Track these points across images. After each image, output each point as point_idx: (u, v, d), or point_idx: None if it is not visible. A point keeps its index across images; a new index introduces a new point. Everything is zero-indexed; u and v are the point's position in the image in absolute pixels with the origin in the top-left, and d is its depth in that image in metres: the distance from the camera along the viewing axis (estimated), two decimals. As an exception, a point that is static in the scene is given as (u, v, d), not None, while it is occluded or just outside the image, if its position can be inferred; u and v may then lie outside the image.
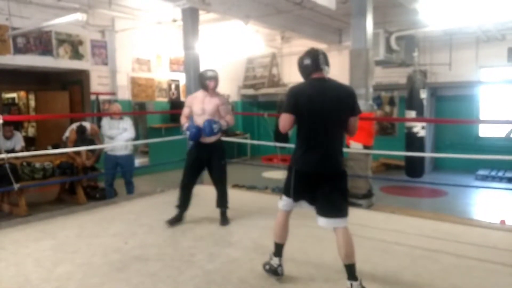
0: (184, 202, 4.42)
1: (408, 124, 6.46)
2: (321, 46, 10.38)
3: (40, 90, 9.78)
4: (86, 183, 6.68)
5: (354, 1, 5.38)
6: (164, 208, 4.93)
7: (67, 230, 4.30)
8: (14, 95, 11.71)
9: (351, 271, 2.80)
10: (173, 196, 5.86)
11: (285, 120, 2.82)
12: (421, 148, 6.41)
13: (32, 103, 11.01)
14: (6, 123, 5.25)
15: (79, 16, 5.82)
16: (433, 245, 3.81)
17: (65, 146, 6.16)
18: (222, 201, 4.50)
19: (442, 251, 3.66)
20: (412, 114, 6.32)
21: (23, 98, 11.54)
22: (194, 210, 4.94)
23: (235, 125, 11.54)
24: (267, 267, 3.15)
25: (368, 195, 5.30)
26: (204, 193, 6.11)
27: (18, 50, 7.12)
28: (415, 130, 6.26)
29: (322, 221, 2.89)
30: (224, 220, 4.46)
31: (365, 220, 4.62)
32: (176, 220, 4.38)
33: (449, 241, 3.93)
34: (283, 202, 3.02)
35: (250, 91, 11.62)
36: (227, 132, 10.84)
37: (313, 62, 2.90)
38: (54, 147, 6.36)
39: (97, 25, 8.07)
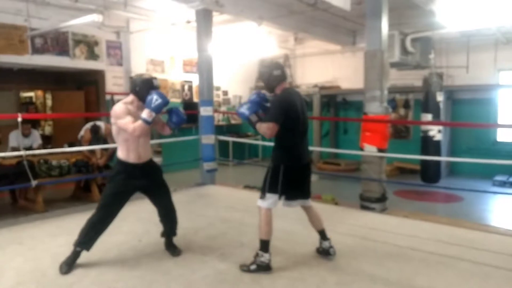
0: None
1: (424, 127, 6.39)
2: (335, 47, 10.38)
3: (56, 90, 9.93)
4: (100, 181, 6.74)
5: (369, 2, 5.35)
6: (177, 207, 4.95)
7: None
8: (31, 94, 11.89)
9: (324, 234, 3.56)
10: (186, 195, 5.93)
11: (272, 129, 3.17)
12: (437, 152, 6.32)
13: (49, 102, 11.18)
14: (24, 121, 5.35)
15: (95, 17, 5.90)
16: (449, 251, 3.76)
17: (80, 145, 6.24)
18: (174, 226, 3.73)
19: (458, 257, 3.61)
20: (428, 117, 6.24)
21: (40, 97, 11.71)
22: (207, 210, 4.97)
23: (247, 126, 11.56)
24: (254, 266, 3.23)
25: (382, 199, 5.25)
26: (217, 193, 6.15)
27: (36, 50, 7.25)
28: (431, 133, 6.18)
29: (307, 202, 3.48)
30: (177, 249, 3.71)
31: (379, 224, 4.59)
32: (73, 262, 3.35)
33: (465, 247, 3.87)
34: (269, 200, 3.25)
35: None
36: (239, 133, 10.90)
37: (282, 73, 3.31)
38: (70, 146, 6.45)
39: (113, 26, 8.16)
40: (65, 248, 3.69)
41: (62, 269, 3.25)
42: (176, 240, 3.90)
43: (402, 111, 10.04)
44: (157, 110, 3.17)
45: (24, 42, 7.05)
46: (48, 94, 11.16)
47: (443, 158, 7.45)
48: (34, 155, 5.70)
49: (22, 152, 5.13)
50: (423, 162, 6.45)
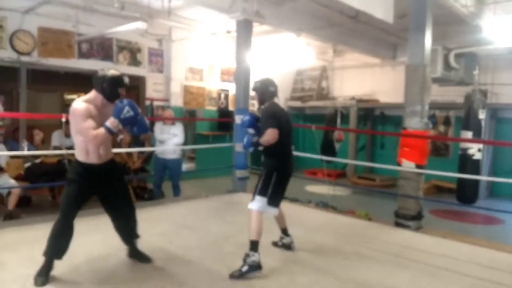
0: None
1: (463, 145, 6.16)
2: (374, 61, 10.26)
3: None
4: (136, 184, 6.91)
5: (413, 16, 5.26)
6: (208, 212, 5.00)
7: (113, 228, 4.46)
8: (75, 96, 12.36)
9: (286, 231, 3.97)
10: (217, 202, 5.97)
11: (275, 133, 3.39)
12: (476, 172, 6.07)
13: (91, 105, 11.58)
14: (67, 122, 5.57)
15: (139, 25, 6.10)
16: (487, 274, 3.59)
17: (119, 147, 6.42)
18: (134, 230, 3.48)
19: (496, 282, 3.44)
20: (468, 135, 6.03)
21: (82, 101, 12.16)
22: (238, 218, 4.97)
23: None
24: (246, 268, 3.27)
25: (418, 217, 5.09)
26: (247, 201, 6.14)
27: (82, 55, 7.56)
28: (470, 152, 5.96)
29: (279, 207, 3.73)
30: (144, 256, 3.51)
31: (413, 243, 4.45)
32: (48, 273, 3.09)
33: (504, 272, 3.69)
34: (258, 203, 3.47)
35: (297, 103, 11.60)
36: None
37: (275, 90, 3.72)
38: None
39: (155, 34, 8.40)
40: (100, 246, 3.80)
41: (37, 281, 2.99)
42: (207, 245, 3.94)
43: (442, 128, 9.75)
44: (125, 122, 2.90)
45: (71, 47, 7.38)
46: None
47: (484, 178, 7.16)
48: (74, 155, 5.92)
49: (63, 151, 5.33)
50: (460, 181, 6.21)
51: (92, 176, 3.08)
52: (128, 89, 9.16)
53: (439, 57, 6.92)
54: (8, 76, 7.16)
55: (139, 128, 3.09)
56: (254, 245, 3.34)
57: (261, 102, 3.70)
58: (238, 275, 3.26)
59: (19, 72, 6.91)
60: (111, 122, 2.86)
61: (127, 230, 3.44)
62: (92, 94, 3.03)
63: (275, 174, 3.49)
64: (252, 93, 3.84)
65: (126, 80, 3.08)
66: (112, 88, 2.98)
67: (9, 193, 5.26)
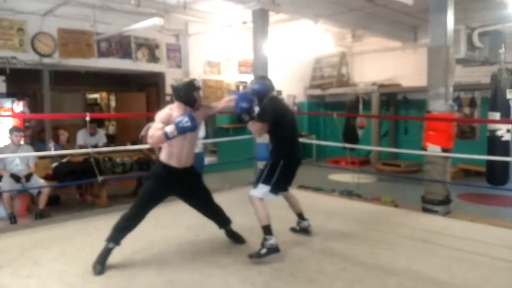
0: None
1: (491, 127, 5.98)
2: (395, 44, 10.04)
3: (120, 91, 10.45)
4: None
5: (433, -4, 5.11)
6: (231, 204, 5.00)
7: (144, 221, 4.52)
8: (96, 95, 12.60)
9: (302, 215, 4.11)
10: (240, 194, 5.98)
11: (263, 129, 3.55)
12: (506, 153, 5.89)
13: (113, 103, 11.80)
14: (91, 121, 5.69)
15: (156, 21, 6.13)
16: (520, 257, 3.50)
17: (142, 144, 6.51)
18: (224, 217, 3.88)
19: (531, 264, 3.35)
20: (496, 116, 5.84)
21: (105, 99, 12.38)
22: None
23: (300, 126, 11.47)
24: (264, 250, 3.36)
25: (446, 201, 4.99)
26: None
27: (101, 54, 7.66)
28: (499, 133, 5.77)
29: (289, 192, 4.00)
30: (239, 237, 3.91)
31: (442, 228, 4.38)
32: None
33: (538, 254, 3.60)
34: (261, 190, 3.57)
35: (317, 91, 11.47)
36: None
37: (272, 84, 3.84)
38: (133, 144, 6.75)
39: (172, 29, 8.42)
40: (128, 241, 3.85)
41: (95, 269, 3.22)
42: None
43: (467, 110, 9.49)
44: (182, 131, 3.10)
45: (90, 46, 7.48)
46: (112, 95, 11.77)
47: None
48: (99, 153, 6.04)
49: (89, 150, 5.44)
50: (490, 164, 6.03)
51: (170, 177, 3.39)
52: (147, 86, 9.27)
53: (462, 37, 6.71)
54: (31, 79, 7.35)
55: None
56: (267, 229, 3.45)
57: (260, 99, 3.69)
58: (256, 257, 3.35)
59: (42, 74, 7.06)
60: (170, 127, 3.11)
61: (217, 221, 3.86)
62: (176, 103, 3.39)
63: (281, 164, 3.59)
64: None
65: (197, 83, 3.38)
66: (188, 94, 3.30)
67: (39, 193, 5.41)
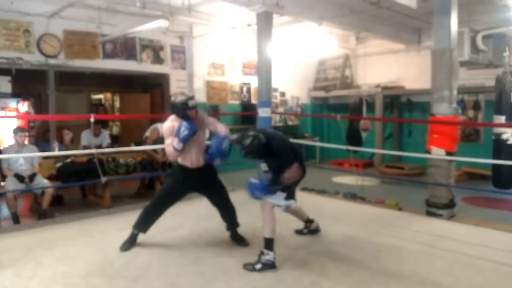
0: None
1: (497, 130, 5.95)
2: (398, 46, 10.03)
3: (124, 92, 10.48)
4: (164, 179, 6.99)
5: (437, -1, 5.10)
6: (234, 206, 5.02)
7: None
8: (101, 96, 12.64)
9: (309, 219, 4.13)
10: (243, 195, 5.94)
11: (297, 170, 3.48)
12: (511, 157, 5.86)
13: (117, 104, 11.82)
14: (95, 122, 5.71)
15: (161, 23, 6.14)
16: (525, 262, 3.48)
17: (145, 144, 6.52)
18: (234, 219, 4.05)
19: (536, 269, 3.33)
20: (501, 119, 5.81)
21: (109, 100, 12.42)
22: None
23: (304, 128, 11.46)
24: (259, 266, 3.27)
25: (450, 205, 4.97)
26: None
27: (106, 55, 7.69)
28: (504, 136, 5.74)
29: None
30: (244, 240, 4.00)
31: (446, 232, 4.36)
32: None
33: (543, 259, 3.57)
34: (278, 198, 3.46)
35: (321, 93, 11.46)
36: (296, 134, 10.83)
37: (259, 139, 3.44)
38: (137, 145, 6.76)
39: (177, 31, 8.44)
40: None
41: (122, 247, 3.73)
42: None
43: (471, 113, 9.45)
44: (185, 140, 3.44)
45: (95, 48, 7.50)
46: (116, 96, 11.80)
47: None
48: (103, 154, 6.05)
49: (93, 150, 5.45)
50: (496, 167, 6.00)
51: (185, 175, 3.74)
52: (152, 87, 9.28)
53: (466, 39, 6.70)
54: (36, 79, 7.37)
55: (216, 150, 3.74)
56: (269, 243, 3.34)
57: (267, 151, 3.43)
58: (250, 270, 3.27)
59: (47, 74, 7.09)
60: (175, 142, 3.47)
61: (228, 220, 3.99)
62: (173, 115, 3.65)
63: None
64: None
65: (192, 103, 3.53)
66: (182, 113, 3.51)
67: (43, 193, 5.43)
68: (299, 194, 4.84)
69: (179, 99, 3.55)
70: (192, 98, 3.60)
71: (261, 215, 3.47)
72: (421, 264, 3.45)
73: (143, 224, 3.81)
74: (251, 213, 4.27)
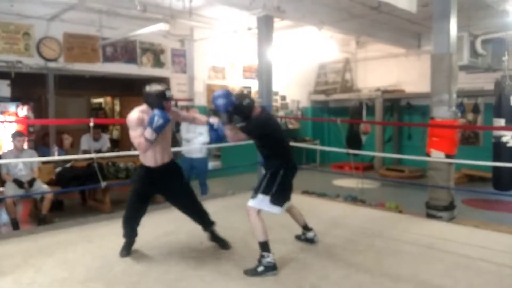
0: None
1: (497, 133, 5.98)
2: (398, 50, 10.06)
3: (124, 96, 10.49)
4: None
5: (437, 4, 5.12)
6: (235, 210, 5.02)
7: (146, 227, 4.49)
8: (101, 100, 12.64)
9: (307, 226, 4.01)
10: (243, 199, 5.94)
11: (241, 139, 3.57)
12: (511, 159, 5.89)
13: (117, 108, 11.83)
14: (94, 126, 5.70)
15: (162, 26, 6.17)
16: (525, 265, 3.48)
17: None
18: (206, 219, 3.89)
19: (536, 272, 3.33)
20: (501, 122, 5.84)
21: (109, 103, 12.41)
22: (265, 215, 4.97)
23: (305, 131, 11.47)
24: (261, 268, 3.26)
25: (450, 207, 4.98)
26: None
27: (106, 59, 7.70)
28: (504, 139, 5.76)
29: (290, 203, 3.78)
30: (224, 241, 3.89)
31: (446, 234, 4.35)
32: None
33: (544, 262, 3.57)
34: (261, 201, 3.43)
35: (321, 97, 11.49)
36: (296, 138, 10.84)
37: (251, 101, 3.58)
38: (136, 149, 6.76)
39: (177, 34, 8.47)
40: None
41: (121, 253, 3.66)
42: (236, 243, 3.95)
43: (470, 116, 9.48)
44: (159, 130, 3.23)
45: (96, 51, 7.52)
46: (116, 100, 11.81)
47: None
48: (103, 158, 6.04)
49: (93, 155, 5.45)
50: (496, 169, 6.03)
51: (150, 176, 3.53)
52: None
53: (465, 44, 6.73)
54: (36, 83, 7.38)
55: (215, 135, 3.62)
56: (264, 246, 3.33)
57: (244, 118, 3.58)
58: (252, 274, 3.25)
59: (46, 78, 7.09)
60: (148, 132, 3.23)
61: (200, 221, 3.85)
62: (144, 105, 3.42)
63: (281, 173, 3.49)
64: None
65: (170, 94, 3.41)
66: (157, 103, 3.32)
67: (42, 198, 5.42)
68: (299, 197, 4.87)
69: (155, 88, 3.37)
70: (168, 89, 3.44)
71: (248, 219, 3.44)
72: (422, 266, 3.45)
73: (128, 231, 3.71)
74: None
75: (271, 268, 3.28)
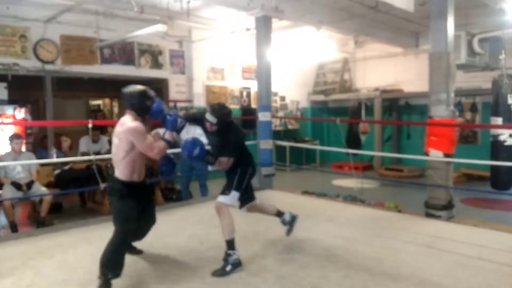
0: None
1: (494, 132, 5.98)
2: (396, 50, 10.08)
3: (123, 98, 10.47)
4: (163, 185, 7.00)
5: (434, 3, 5.13)
6: (236, 211, 5.01)
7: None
8: (99, 102, 12.64)
9: (280, 211, 4.00)
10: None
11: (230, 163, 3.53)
12: (509, 158, 5.89)
13: (116, 109, 11.83)
14: (93, 128, 5.69)
15: (160, 27, 6.16)
16: (524, 263, 3.49)
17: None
18: (145, 235, 3.62)
19: (535, 270, 3.34)
20: (498, 121, 5.85)
21: (108, 105, 12.41)
22: (265, 215, 4.97)
23: (304, 131, 11.48)
24: (230, 267, 3.32)
25: (449, 206, 4.98)
26: (275, 198, 6.16)
27: (104, 60, 7.69)
28: (501, 138, 5.77)
29: (255, 201, 3.86)
30: (137, 249, 3.73)
31: (445, 233, 4.36)
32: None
33: (543, 260, 3.58)
34: (233, 197, 3.53)
35: (320, 97, 11.50)
36: (296, 138, 10.86)
37: (230, 111, 3.59)
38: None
39: (175, 35, 8.47)
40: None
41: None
42: (236, 244, 3.94)
43: (468, 115, 9.50)
44: (180, 132, 3.27)
45: (93, 53, 7.51)
46: (115, 102, 11.81)
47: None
48: (102, 160, 6.03)
49: (92, 157, 5.44)
50: (494, 168, 6.04)
51: (136, 193, 3.18)
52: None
53: (462, 43, 6.73)
54: (33, 85, 7.37)
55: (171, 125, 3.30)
56: (231, 244, 3.40)
57: (222, 124, 3.47)
58: (221, 274, 3.28)
59: (44, 80, 7.08)
60: (170, 135, 3.17)
61: (143, 234, 3.55)
62: (130, 113, 3.15)
63: (250, 171, 3.63)
64: (210, 125, 3.49)
65: (152, 93, 3.23)
66: (142, 103, 3.14)
67: (41, 201, 5.41)
68: (299, 197, 4.87)
69: (136, 88, 3.19)
70: (148, 88, 3.25)
71: (220, 220, 3.48)
72: (421, 265, 3.45)
73: (114, 265, 3.03)
74: (253, 218, 4.29)
75: (237, 265, 3.36)
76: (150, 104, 3.19)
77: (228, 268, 3.32)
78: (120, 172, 3.15)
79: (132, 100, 3.15)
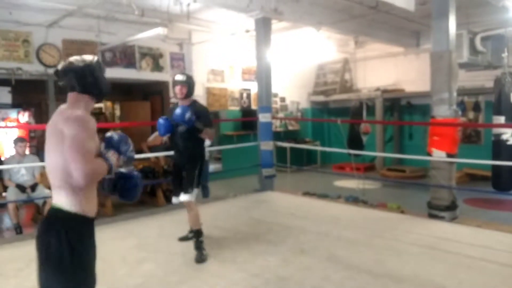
0: None
1: (496, 131, 5.95)
2: (397, 50, 10.05)
3: (124, 101, 10.51)
4: (165, 187, 7.00)
5: (435, 2, 5.11)
6: (237, 212, 5.02)
7: (148, 230, 4.53)
8: (101, 105, 12.65)
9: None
10: (245, 201, 5.98)
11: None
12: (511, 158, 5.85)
13: (117, 112, 11.85)
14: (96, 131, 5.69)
15: (160, 30, 6.17)
16: (528, 263, 3.47)
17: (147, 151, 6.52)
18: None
19: (539, 270, 3.32)
20: (501, 120, 5.81)
21: (109, 108, 12.45)
22: (267, 216, 4.98)
23: (305, 132, 11.47)
24: (205, 251, 3.69)
25: (452, 207, 4.95)
26: (276, 199, 6.16)
27: (105, 64, 7.67)
28: (504, 137, 5.73)
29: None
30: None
31: (448, 234, 4.34)
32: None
33: (547, 260, 3.56)
34: (195, 194, 3.79)
35: (321, 98, 11.49)
36: (296, 139, 10.84)
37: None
38: (137, 153, 6.76)
39: (176, 38, 8.48)
40: (133, 250, 3.88)
41: None
42: (238, 245, 3.96)
43: (471, 114, 9.46)
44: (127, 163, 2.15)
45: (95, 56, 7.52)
46: (116, 104, 11.83)
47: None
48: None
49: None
50: (495, 168, 5.99)
51: (89, 233, 2.01)
52: (152, 95, 9.31)
53: (464, 41, 6.71)
54: (36, 89, 7.40)
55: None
56: (201, 232, 3.77)
57: (189, 94, 3.81)
58: (202, 260, 3.61)
59: (46, 84, 7.10)
60: (116, 158, 2.02)
61: None
62: (78, 99, 2.05)
63: (200, 163, 3.85)
64: (181, 87, 3.76)
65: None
66: (98, 76, 2.07)
67: (45, 203, 5.43)
68: (301, 199, 4.87)
69: (82, 59, 2.04)
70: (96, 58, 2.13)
71: (188, 212, 3.82)
72: (424, 266, 3.44)
73: None
74: (253, 219, 4.30)
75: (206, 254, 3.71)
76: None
77: (205, 252, 3.67)
78: (70, 202, 1.89)
79: (85, 75, 2.04)
